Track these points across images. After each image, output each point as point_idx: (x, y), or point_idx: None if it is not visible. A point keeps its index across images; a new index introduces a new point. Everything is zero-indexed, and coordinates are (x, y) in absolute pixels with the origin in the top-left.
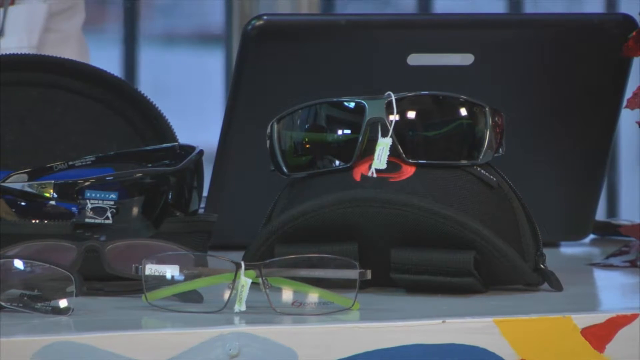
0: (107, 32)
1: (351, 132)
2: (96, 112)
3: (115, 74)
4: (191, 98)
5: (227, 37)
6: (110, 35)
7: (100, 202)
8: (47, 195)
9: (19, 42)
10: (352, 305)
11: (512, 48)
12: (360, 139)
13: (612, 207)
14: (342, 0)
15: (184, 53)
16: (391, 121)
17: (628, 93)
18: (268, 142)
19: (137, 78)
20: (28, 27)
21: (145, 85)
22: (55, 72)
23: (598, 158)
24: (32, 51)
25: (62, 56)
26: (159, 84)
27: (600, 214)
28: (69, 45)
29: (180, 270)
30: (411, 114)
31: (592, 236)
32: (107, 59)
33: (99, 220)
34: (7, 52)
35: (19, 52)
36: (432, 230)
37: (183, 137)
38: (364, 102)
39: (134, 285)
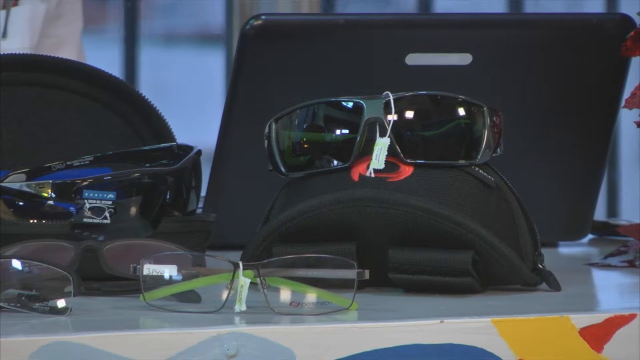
0: (107, 32)
1: (349, 132)
2: (94, 112)
3: (115, 74)
4: (191, 98)
5: (227, 37)
6: (110, 35)
7: (98, 202)
8: (45, 195)
9: (21, 43)
10: (350, 305)
11: (510, 48)
12: (358, 138)
13: (613, 207)
14: (343, 0)
15: (184, 53)
16: (389, 121)
17: (626, 93)
18: (266, 142)
19: (137, 78)
20: (30, 27)
21: (145, 85)
22: (54, 72)
23: (596, 158)
24: (32, 52)
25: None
26: (159, 84)
27: (601, 214)
28: (63, 51)
29: (178, 270)
30: (409, 114)
31: (590, 236)
32: (107, 59)
33: (97, 220)
34: (6, 52)
35: (18, 52)
36: (430, 230)
37: (183, 137)
38: (362, 102)
39: (131, 285)
